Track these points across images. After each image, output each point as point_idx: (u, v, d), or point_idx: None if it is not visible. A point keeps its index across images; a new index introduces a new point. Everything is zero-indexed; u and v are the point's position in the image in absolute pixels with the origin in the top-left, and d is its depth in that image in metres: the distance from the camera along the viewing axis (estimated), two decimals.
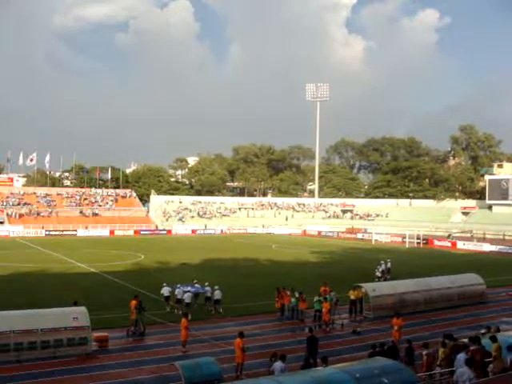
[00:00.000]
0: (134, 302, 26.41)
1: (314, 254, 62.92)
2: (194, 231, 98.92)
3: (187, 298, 30.18)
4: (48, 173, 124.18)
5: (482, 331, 21.25)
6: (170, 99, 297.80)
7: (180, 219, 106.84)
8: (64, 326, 22.71)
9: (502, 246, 71.04)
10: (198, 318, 27.83)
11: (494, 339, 18.08)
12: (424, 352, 18.32)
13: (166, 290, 31.30)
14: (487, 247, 71.92)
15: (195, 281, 33.65)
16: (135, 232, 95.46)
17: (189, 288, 31.54)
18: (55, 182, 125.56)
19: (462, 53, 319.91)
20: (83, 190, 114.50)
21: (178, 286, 31.63)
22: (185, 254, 59.39)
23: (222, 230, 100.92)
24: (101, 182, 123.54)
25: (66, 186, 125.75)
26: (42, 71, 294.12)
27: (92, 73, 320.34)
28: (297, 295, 29.70)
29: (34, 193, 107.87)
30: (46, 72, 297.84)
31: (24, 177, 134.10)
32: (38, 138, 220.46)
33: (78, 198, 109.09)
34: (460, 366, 15.63)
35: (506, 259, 61.20)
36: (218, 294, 30.85)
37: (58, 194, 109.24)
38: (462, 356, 16.38)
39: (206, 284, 32.23)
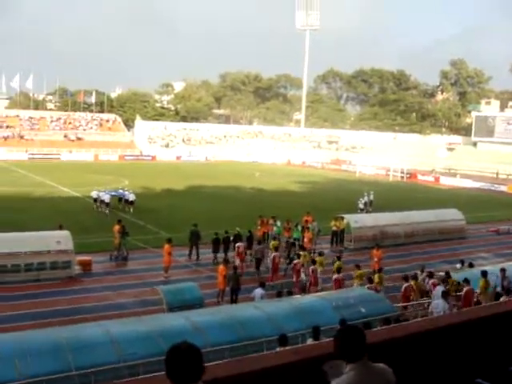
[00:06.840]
0: (117, 227, 26.59)
1: (297, 184, 63.09)
2: (178, 157, 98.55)
3: (106, 198, 38.50)
4: (31, 95, 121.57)
5: (458, 266, 21.82)
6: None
7: (165, 145, 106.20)
8: (47, 249, 22.86)
9: (484, 183, 71.39)
10: (181, 245, 28.09)
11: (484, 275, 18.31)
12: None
13: (94, 194, 40.02)
14: (469, 183, 72.30)
15: (120, 187, 43.61)
16: (120, 157, 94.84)
17: (112, 193, 40.32)
18: (38, 105, 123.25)
19: None
20: (67, 113, 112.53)
21: (103, 191, 40.11)
22: (169, 180, 59.31)
23: (206, 157, 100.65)
24: (85, 105, 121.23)
25: (50, 110, 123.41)
26: None
27: None
28: (279, 224, 29.96)
29: (17, 115, 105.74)
30: None
31: (7, 99, 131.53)
32: (22, 59, 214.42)
33: (61, 121, 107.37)
34: (437, 298, 16.07)
35: (487, 196, 61.74)
36: (132, 197, 39.24)
37: (41, 118, 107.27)
38: (439, 288, 16.81)
39: (126, 189, 41.48)
